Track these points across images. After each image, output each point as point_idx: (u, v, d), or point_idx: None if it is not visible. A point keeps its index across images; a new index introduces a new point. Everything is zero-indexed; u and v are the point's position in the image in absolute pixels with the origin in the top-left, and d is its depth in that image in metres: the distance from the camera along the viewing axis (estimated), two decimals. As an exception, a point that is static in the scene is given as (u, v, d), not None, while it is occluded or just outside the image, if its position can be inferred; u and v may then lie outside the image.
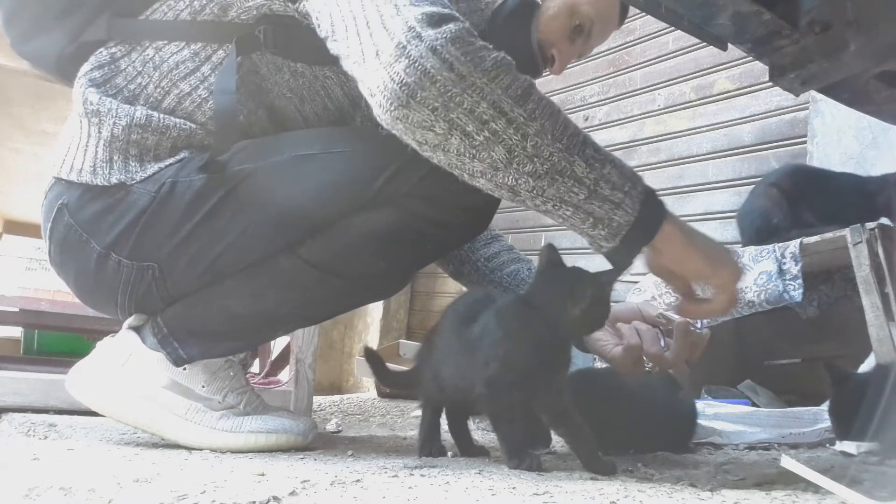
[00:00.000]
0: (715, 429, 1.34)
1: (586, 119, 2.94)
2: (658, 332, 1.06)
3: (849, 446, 1.12)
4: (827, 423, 1.30)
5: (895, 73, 1.06)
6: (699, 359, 1.03)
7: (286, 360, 2.06)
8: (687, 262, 0.84)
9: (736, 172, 2.32)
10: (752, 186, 1.93)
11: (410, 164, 0.89)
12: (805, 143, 2.09)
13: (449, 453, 1.08)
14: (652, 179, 2.83)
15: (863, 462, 1.02)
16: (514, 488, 0.73)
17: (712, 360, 1.66)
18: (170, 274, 1.06)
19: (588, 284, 0.88)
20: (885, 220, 1.45)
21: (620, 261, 0.83)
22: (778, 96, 2.20)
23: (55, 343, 2.99)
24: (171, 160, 1.05)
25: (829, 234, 1.51)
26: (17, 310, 2.79)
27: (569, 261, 0.95)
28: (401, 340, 3.13)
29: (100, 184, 1.04)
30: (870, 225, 1.43)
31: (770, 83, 1.04)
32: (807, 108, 2.09)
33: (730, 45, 1.04)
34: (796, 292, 1.55)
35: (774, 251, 1.61)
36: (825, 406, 1.33)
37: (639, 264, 0.87)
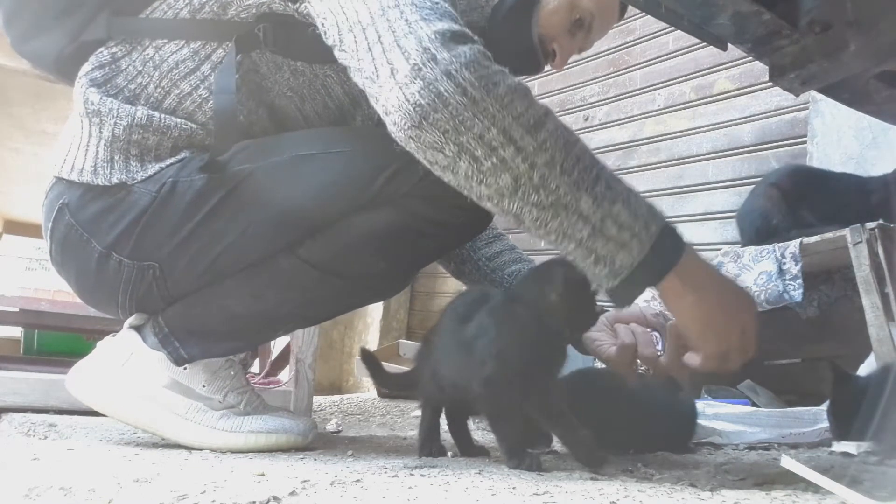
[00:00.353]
0: (715, 429, 1.34)
1: (586, 119, 2.94)
2: (656, 335, 1.06)
3: (848, 446, 1.12)
4: (827, 423, 1.30)
5: (895, 73, 1.06)
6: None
7: (286, 360, 2.06)
8: (682, 319, 0.83)
9: (736, 172, 2.32)
10: (752, 186, 1.93)
11: (410, 164, 0.89)
12: (805, 143, 2.09)
13: (449, 453, 1.08)
14: (652, 179, 2.82)
15: (863, 462, 1.02)
16: (514, 488, 0.73)
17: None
18: (170, 273, 1.06)
19: (560, 268, 0.89)
20: (884, 221, 1.45)
21: (619, 300, 0.82)
22: (778, 96, 2.20)
23: (55, 343, 2.99)
24: (172, 160, 1.05)
25: (829, 234, 1.51)
26: (17, 310, 2.79)
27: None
28: (401, 340, 3.13)
29: (101, 183, 1.04)
30: (870, 225, 1.43)
31: (770, 83, 1.04)
32: (807, 108, 2.09)
33: (730, 45, 1.04)
34: (796, 292, 1.55)
35: (774, 251, 1.61)
36: (825, 406, 1.33)
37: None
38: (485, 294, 1.02)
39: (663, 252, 0.79)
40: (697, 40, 1.09)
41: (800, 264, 1.55)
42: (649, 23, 2.62)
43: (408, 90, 0.78)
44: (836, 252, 1.50)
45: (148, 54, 1.08)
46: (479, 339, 0.93)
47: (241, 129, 1.07)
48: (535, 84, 3.12)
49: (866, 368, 1.41)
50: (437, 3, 0.86)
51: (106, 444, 1.08)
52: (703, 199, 2.41)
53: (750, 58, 1.12)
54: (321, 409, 2.27)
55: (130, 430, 1.20)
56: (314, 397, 1.78)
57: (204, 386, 1.10)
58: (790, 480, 0.75)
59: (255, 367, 2.39)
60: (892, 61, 0.98)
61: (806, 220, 1.69)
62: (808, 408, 1.46)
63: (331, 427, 1.65)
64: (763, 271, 1.61)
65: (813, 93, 1.57)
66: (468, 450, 1.10)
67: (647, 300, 1.68)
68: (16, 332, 3.17)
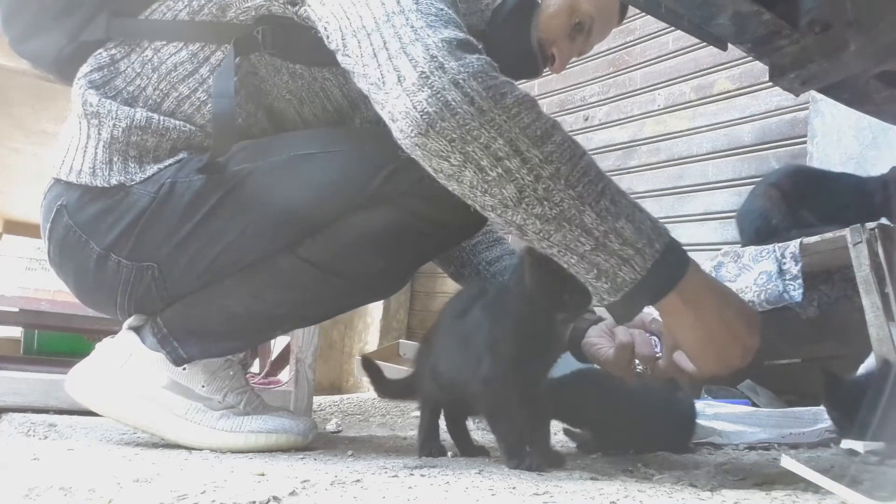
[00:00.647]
0: (715, 429, 1.34)
1: (586, 119, 2.94)
2: (655, 339, 1.06)
3: (855, 445, 1.12)
4: (827, 423, 1.30)
5: (895, 73, 1.06)
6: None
7: (286, 360, 2.06)
8: (681, 337, 0.83)
9: (736, 172, 2.32)
10: (752, 186, 1.93)
11: (408, 164, 0.89)
12: (805, 143, 2.09)
13: (449, 453, 1.08)
14: (652, 179, 2.82)
15: (863, 462, 1.02)
16: (514, 488, 0.73)
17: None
18: (169, 274, 1.06)
19: (524, 252, 0.89)
20: (885, 221, 1.45)
21: (619, 316, 0.82)
22: (778, 96, 2.20)
23: (55, 343, 2.99)
24: (171, 161, 1.05)
25: (829, 234, 1.51)
26: (17, 310, 2.79)
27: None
28: (401, 340, 3.13)
29: (99, 185, 1.04)
30: (870, 225, 1.43)
31: (770, 83, 1.04)
32: (807, 108, 2.09)
33: (730, 45, 1.04)
34: (796, 292, 1.55)
35: (774, 251, 1.61)
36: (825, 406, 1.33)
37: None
38: (480, 290, 1.03)
39: (666, 270, 0.78)
40: (697, 40, 1.08)
41: (800, 264, 1.55)
42: (649, 23, 2.62)
43: (415, 98, 0.78)
44: (836, 252, 1.50)
45: (146, 56, 1.08)
46: (474, 335, 0.94)
47: (239, 132, 1.06)
48: (535, 84, 3.12)
49: (866, 369, 1.41)
50: (441, 9, 0.86)
51: (106, 444, 1.08)
52: (703, 199, 2.40)
53: (750, 58, 1.12)
54: (321, 409, 2.27)
55: (130, 431, 1.20)
56: (314, 397, 1.78)
57: (203, 386, 1.10)
58: (790, 480, 0.75)
59: (255, 367, 2.39)
60: (892, 61, 0.97)
61: (806, 220, 1.69)
62: (808, 408, 1.46)
63: (331, 427, 1.65)
64: (763, 271, 1.61)
65: (813, 93, 1.57)
66: (468, 450, 1.10)
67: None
68: (16, 332, 3.17)
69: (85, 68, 1.09)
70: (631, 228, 0.77)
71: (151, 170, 1.04)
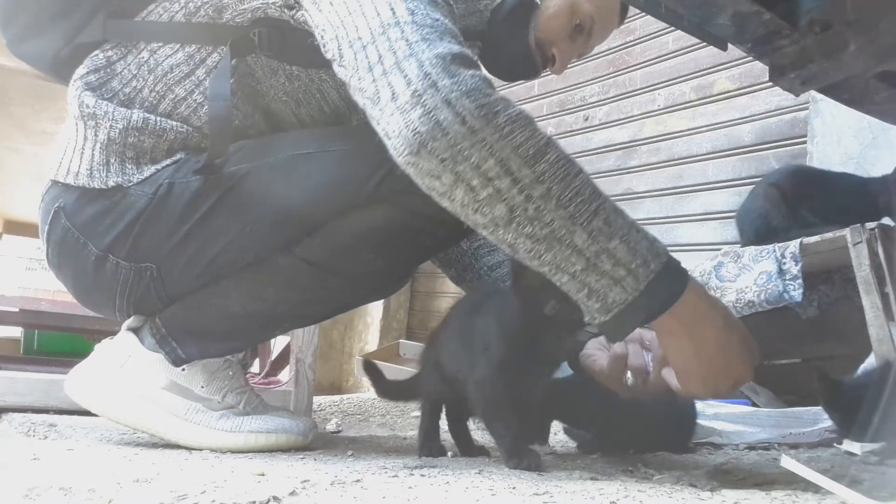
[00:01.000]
0: (715, 429, 1.34)
1: (586, 119, 2.94)
2: (649, 354, 1.06)
3: (853, 446, 1.12)
4: (827, 423, 1.30)
5: (895, 73, 1.06)
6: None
7: (286, 360, 2.06)
8: (673, 358, 0.83)
9: (736, 172, 2.32)
10: (752, 186, 1.93)
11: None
12: (805, 143, 2.09)
13: (449, 453, 1.08)
14: (652, 179, 2.82)
15: (863, 462, 1.02)
16: (514, 488, 0.73)
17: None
18: (168, 275, 1.06)
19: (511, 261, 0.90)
20: (886, 220, 1.45)
21: (610, 335, 0.81)
22: (778, 96, 2.20)
23: (55, 343, 2.99)
24: (168, 161, 1.05)
25: (829, 234, 1.51)
26: (17, 310, 2.79)
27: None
28: (401, 340, 3.13)
29: (97, 186, 1.04)
30: (870, 225, 1.43)
31: (770, 83, 1.04)
32: (807, 109, 2.09)
33: (730, 45, 1.04)
34: (796, 292, 1.55)
35: (774, 251, 1.61)
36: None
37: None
38: (489, 292, 1.03)
39: (660, 291, 0.77)
40: (697, 40, 1.08)
41: (800, 264, 1.55)
42: (649, 23, 2.62)
43: (408, 117, 0.77)
44: (836, 252, 1.50)
45: (143, 58, 1.08)
46: (472, 336, 0.95)
47: (236, 134, 1.06)
48: (535, 84, 3.12)
49: (864, 369, 1.41)
50: (437, 20, 0.85)
51: (106, 444, 1.08)
52: (703, 199, 2.40)
53: (750, 58, 1.12)
54: (321, 409, 2.27)
55: (130, 431, 1.19)
56: (314, 397, 1.78)
57: (203, 386, 1.10)
58: (790, 480, 0.75)
59: (255, 367, 2.39)
60: (892, 61, 0.97)
61: (806, 220, 1.69)
62: (808, 408, 1.46)
63: (331, 427, 1.65)
64: (763, 271, 1.61)
65: (813, 93, 1.57)
66: (468, 450, 1.10)
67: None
68: (16, 332, 3.17)
69: (81, 70, 1.09)
70: (624, 249, 0.77)
71: (149, 171, 1.04)
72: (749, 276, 1.62)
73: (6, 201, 3.50)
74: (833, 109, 1.97)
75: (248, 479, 0.74)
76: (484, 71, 0.83)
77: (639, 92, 2.73)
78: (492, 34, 1.20)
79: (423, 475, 0.82)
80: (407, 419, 1.96)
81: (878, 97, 1.11)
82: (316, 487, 0.70)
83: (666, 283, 0.78)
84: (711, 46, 1.06)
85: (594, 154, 2.83)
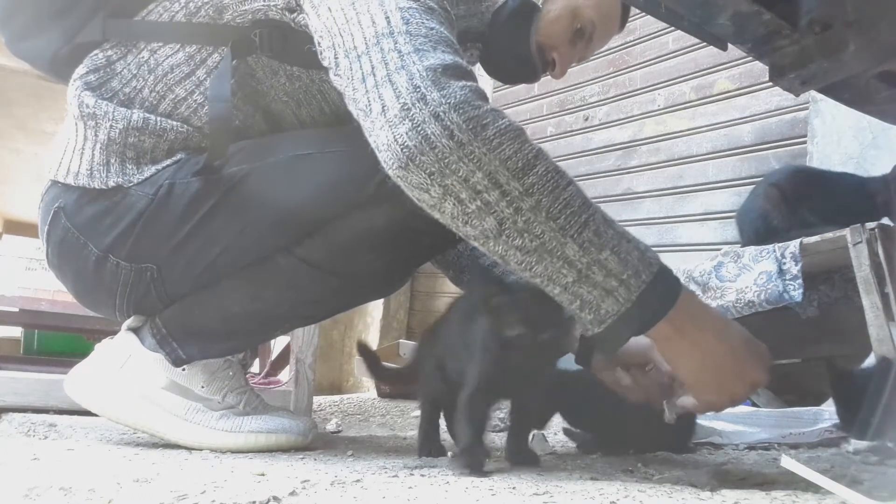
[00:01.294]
0: (715, 429, 1.34)
1: (586, 119, 2.94)
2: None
3: (859, 445, 1.12)
4: (827, 423, 1.30)
5: (895, 73, 1.06)
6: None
7: (286, 360, 2.06)
8: (677, 367, 0.82)
9: (736, 172, 2.32)
10: (752, 186, 1.93)
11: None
12: (805, 143, 2.09)
13: (449, 453, 1.08)
14: (652, 179, 2.81)
15: (863, 462, 1.02)
16: (514, 488, 0.73)
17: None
18: (168, 275, 1.06)
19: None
20: (886, 220, 1.45)
21: (604, 347, 0.81)
22: (778, 96, 2.20)
23: (55, 343, 3.00)
24: (168, 162, 1.05)
25: (829, 234, 1.51)
26: (17, 310, 2.79)
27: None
28: (401, 340, 3.13)
29: (97, 187, 1.04)
30: (870, 225, 1.43)
31: (770, 83, 1.04)
32: (807, 108, 2.09)
33: (730, 45, 1.04)
34: (796, 292, 1.55)
35: (774, 251, 1.61)
36: (825, 406, 1.33)
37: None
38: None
39: (653, 301, 0.77)
40: (697, 40, 1.08)
41: (800, 264, 1.55)
42: (649, 23, 2.62)
43: (396, 130, 0.78)
44: (836, 252, 1.50)
45: (143, 58, 1.08)
46: (460, 333, 0.96)
47: (236, 134, 1.06)
48: (535, 85, 3.12)
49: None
50: (431, 28, 0.85)
51: (106, 444, 1.08)
52: (703, 199, 2.40)
53: (750, 58, 1.12)
54: (321, 409, 2.27)
55: (130, 431, 1.19)
56: (314, 397, 1.78)
57: (203, 387, 1.10)
58: (790, 480, 0.75)
59: (255, 367, 2.39)
60: (892, 61, 0.97)
61: (806, 220, 1.69)
62: (808, 408, 1.46)
63: (331, 427, 1.65)
64: (763, 271, 1.61)
65: (813, 93, 1.57)
66: (468, 450, 1.10)
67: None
68: (16, 332, 3.17)
69: (81, 69, 1.09)
70: (615, 260, 0.76)
71: (149, 171, 1.04)
72: (749, 276, 1.62)
73: (6, 201, 3.50)
74: (833, 109, 1.97)
75: (248, 479, 0.74)
76: (477, 80, 0.83)
77: (639, 92, 2.73)
78: (492, 37, 1.20)
79: (423, 475, 0.82)
80: (407, 419, 1.96)
81: (878, 97, 1.11)
82: (316, 487, 0.70)
83: (658, 293, 0.78)
84: (711, 46, 1.06)
85: (594, 154, 2.83)
